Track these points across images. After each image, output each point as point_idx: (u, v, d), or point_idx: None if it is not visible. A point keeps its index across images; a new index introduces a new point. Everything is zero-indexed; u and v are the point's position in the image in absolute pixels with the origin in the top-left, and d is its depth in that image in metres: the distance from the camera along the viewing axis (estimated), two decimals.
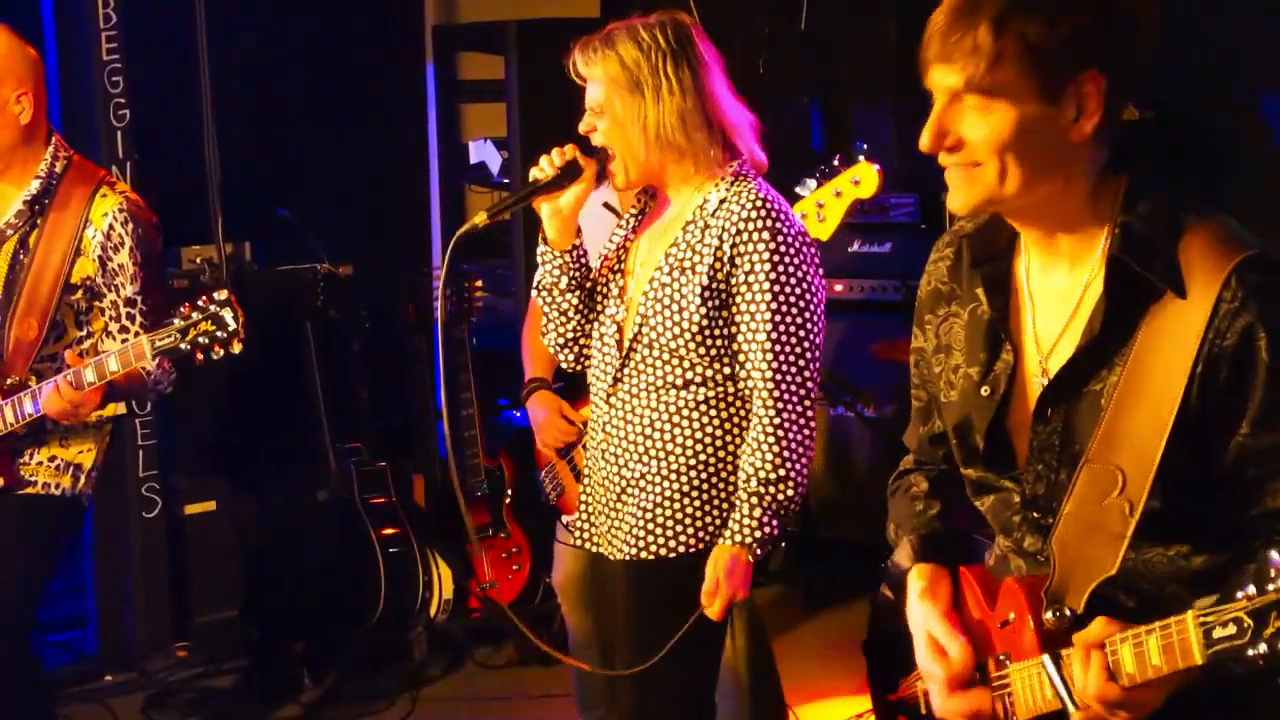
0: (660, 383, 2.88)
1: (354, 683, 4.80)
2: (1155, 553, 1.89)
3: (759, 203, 2.83)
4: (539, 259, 3.02)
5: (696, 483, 2.88)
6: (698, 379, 2.86)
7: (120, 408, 3.47)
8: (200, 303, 3.09)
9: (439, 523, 5.09)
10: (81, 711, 4.61)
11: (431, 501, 5.31)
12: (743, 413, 2.89)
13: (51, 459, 3.37)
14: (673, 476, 2.88)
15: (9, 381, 3.28)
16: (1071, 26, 1.76)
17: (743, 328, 2.84)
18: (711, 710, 3.13)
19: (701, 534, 2.89)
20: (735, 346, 2.86)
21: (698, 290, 2.82)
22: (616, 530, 2.97)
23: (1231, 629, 1.58)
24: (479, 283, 5.03)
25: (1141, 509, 1.81)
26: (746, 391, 2.87)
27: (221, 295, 3.09)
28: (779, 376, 2.82)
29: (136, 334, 3.29)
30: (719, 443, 2.89)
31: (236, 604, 5.14)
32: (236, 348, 3.10)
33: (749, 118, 2.97)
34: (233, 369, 4.94)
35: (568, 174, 2.90)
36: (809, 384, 2.86)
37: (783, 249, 2.81)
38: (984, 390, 1.98)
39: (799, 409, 2.84)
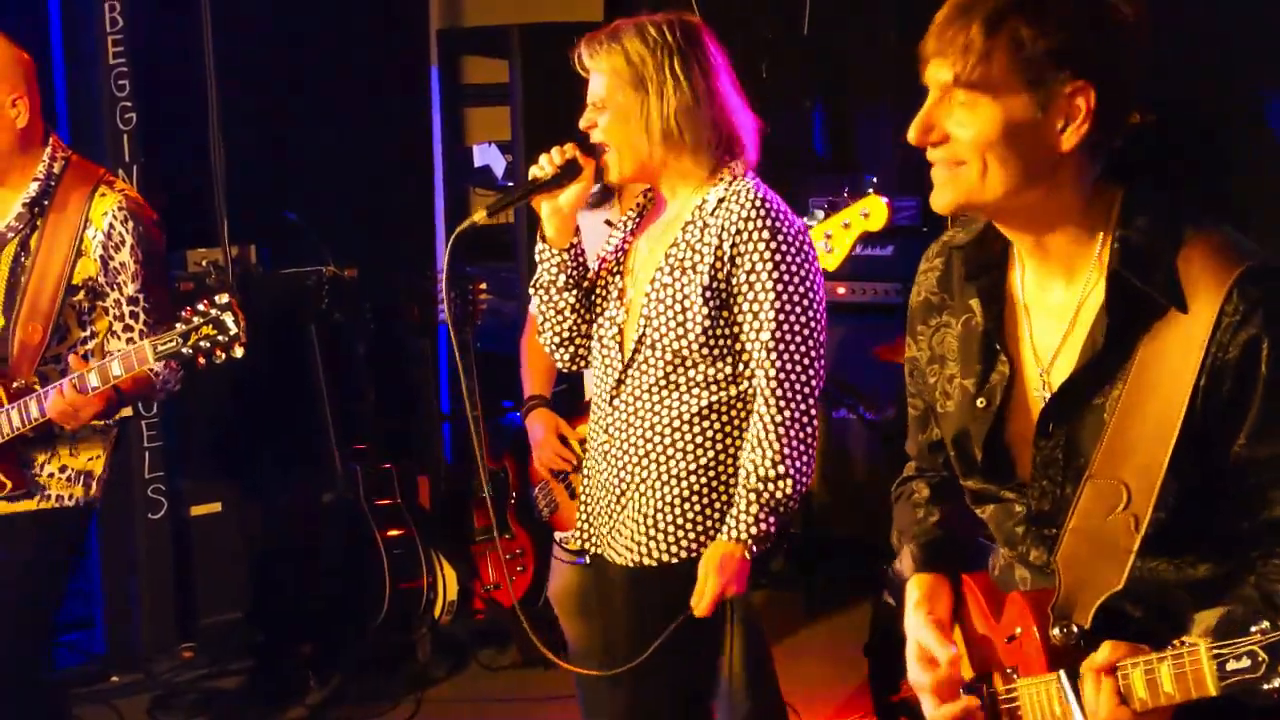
0: (664, 384, 2.88)
1: (359, 684, 4.81)
2: (1160, 563, 1.89)
3: (757, 201, 2.82)
4: (537, 257, 3.03)
5: (698, 488, 2.88)
6: (701, 380, 2.86)
7: (126, 409, 3.48)
8: (201, 307, 3.08)
9: (444, 525, 5.11)
10: (88, 712, 4.62)
11: (436, 503, 5.33)
12: (744, 416, 2.88)
13: (62, 469, 3.37)
14: (673, 482, 2.88)
15: (15, 385, 3.28)
16: (1064, 35, 1.77)
17: (745, 327, 2.83)
18: (708, 709, 3.14)
19: (704, 539, 2.88)
20: (738, 346, 2.85)
21: (699, 290, 2.81)
22: (617, 534, 2.96)
23: (1246, 662, 1.59)
24: (483, 286, 5.04)
25: (1147, 523, 1.81)
26: (750, 393, 2.86)
27: (223, 299, 3.08)
28: (782, 375, 2.81)
29: (141, 332, 3.29)
30: (720, 447, 2.88)
31: (242, 605, 5.15)
32: (238, 352, 3.09)
33: (753, 121, 2.97)
34: (238, 372, 4.95)
35: (567, 172, 2.90)
36: (813, 382, 2.85)
37: (783, 247, 2.81)
38: (980, 402, 1.99)
39: (802, 407, 2.83)
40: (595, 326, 3.03)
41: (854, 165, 5.94)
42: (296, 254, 5.25)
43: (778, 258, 2.80)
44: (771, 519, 2.82)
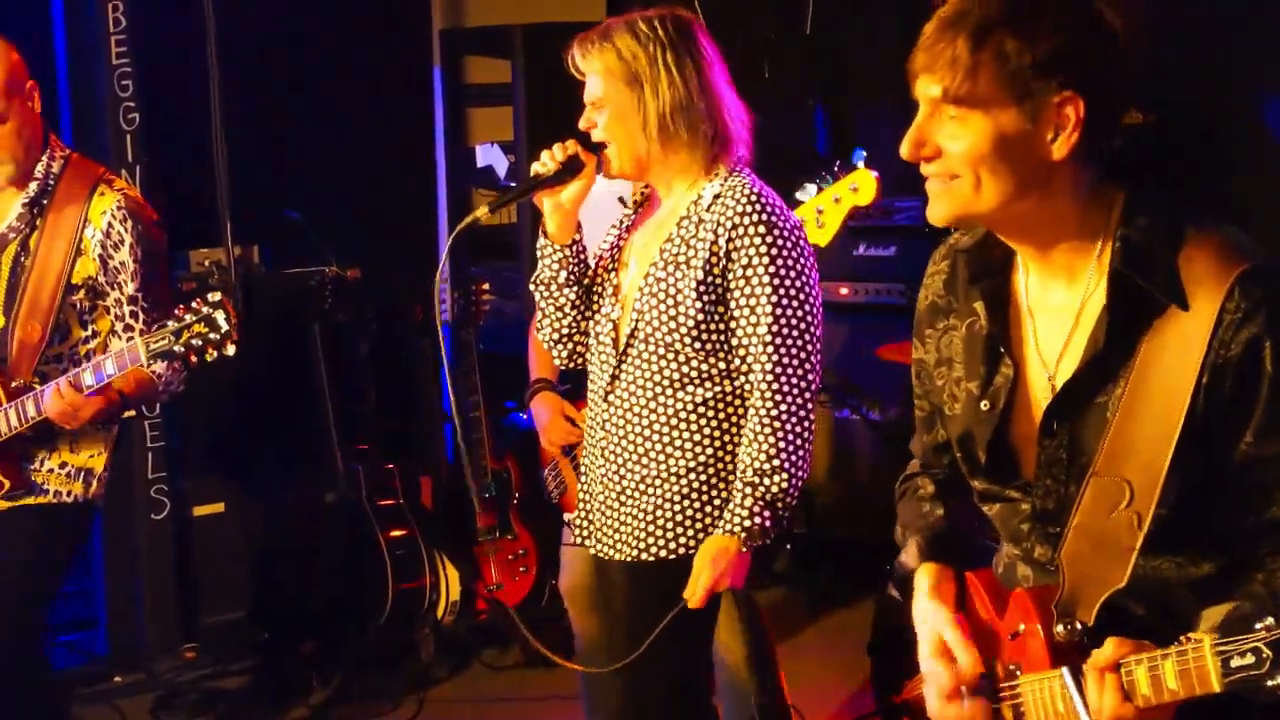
0: (658, 379, 2.89)
1: (361, 683, 4.81)
2: (1162, 561, 1.90)
3: (753, 197, 2.83)
4: (538, 253, 3.04)
5: (697, 485, 2.89)
6: (696, 375, 2.86)
7: (130, 411, 3.48)
8: (194, 305, 3.09)
9: (446, 524, 5.11)
10: (91, 712, 4.63)
11: (438, 503, 5.33)
12: (741, 412, 2.89)
13: (62, 465, 3.38)
14: (673, 480, 2.89)
15: (14, 384, 3.28)
16: (1051, 46, 1.78)
17: (741, 322, 2.83)
18: (706, 695, 3.14)
19: (703, 536, 2.89)
20: (734, 341, 2.85)
21: (693, 285, 2.82)
22: (617, 530, 2.97)
23: (1250, 659, 1.60)
24: (486, 285, 5.05)
25: (1150, 521, 1.82)
26: (745, 388, 2.87)
27: (215, 297, 3.09)
28: (779, 370, 2.82)
29: (141, 332, 3.29)
30: (718, 444, 2.89)
31: (244, 605, 5.15)
32: (230, 349, 3.09)
33: (747, 115, 2.97)
34: (241, 372, 4.98)
35: (569, 169, 2.92)
36: (809, 377, 2.85)
37: (779, 242, 2.81)
38: (984, 404, 2.00)
39: (798, 401, 2.84)
40: (592, 324, 3.04)
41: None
42: (299, 254, 5.25)
43: (773, 252, 2.80)
44: (767, 513, 2.82)
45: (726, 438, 2.89)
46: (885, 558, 2.32)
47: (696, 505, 2.90)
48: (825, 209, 3.36)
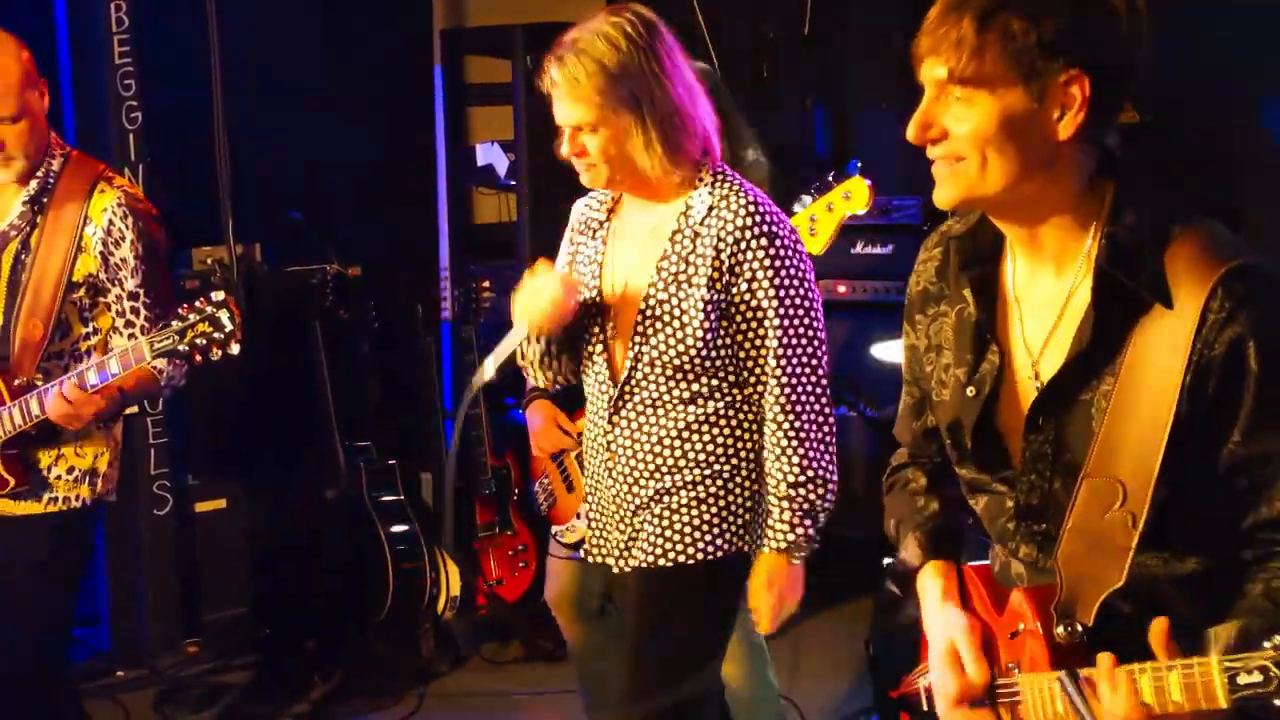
0: (665, 399, 2.83)
1: (362, 679, 4.84)
2: (1149, 557, 1.91)
3: (751, 208, 2.76)
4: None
5: (713, 489, 2.84)
6: (704, 391, 2.81)
7: (131, 407, 3.50)
8: (198, 304, 3.09)
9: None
10: (94, 707, 4.62)
11: (439, 499, 5.36)
12: (751, 417, 2.85)
13: (69, 470, 3.37)
14: (689, 487, 2.84)
15: (17, 382, 3.28)
16: (1055, 25, 1.78)
17: (750, 335, 2.79)
18: (723, 705, 3.13)
19: (719, 540, 2.85)
20: (741, 354, 2.81)
21: (699, 304, 2.75)
22: (634, 541, 2.90)
23: (1257, 676, 1.60)
24: (486, 283, 5.08)
25: (1144, 520, 1.83)
26: (754, 397, 2.83)
27: (218, 296, 3.09)
28: (793, 380, 2.78)
29: (143, 328, 3.30)
30: (730, 450, 2.84)
31: (246, 601, 5.18)
32: (234, 348, 3.09)
33: (713, 114, 2.85)
34: (243, 369, 5.00)
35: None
36: (823, 383, 2.82)
37: (782, 253, 2.76)
38: (969, 391, 2.01)
39: (816, 408, 2.81)
40: (583, 347, 2.95)
41: None
42: (301, 252, 5.27)
43: (778, 264, 2.75)
44: (807, 522, 2.81)
45: (739, 444, 2.85)
46: (883, 553, 2.34)
47: (713, 510, 2.85)
48: (818, 217, 3.36)
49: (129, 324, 3.34)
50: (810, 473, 2.79)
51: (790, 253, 2.78)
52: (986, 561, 2.16)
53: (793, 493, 2.79)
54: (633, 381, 2.84)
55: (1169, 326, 1.82)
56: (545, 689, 4.73)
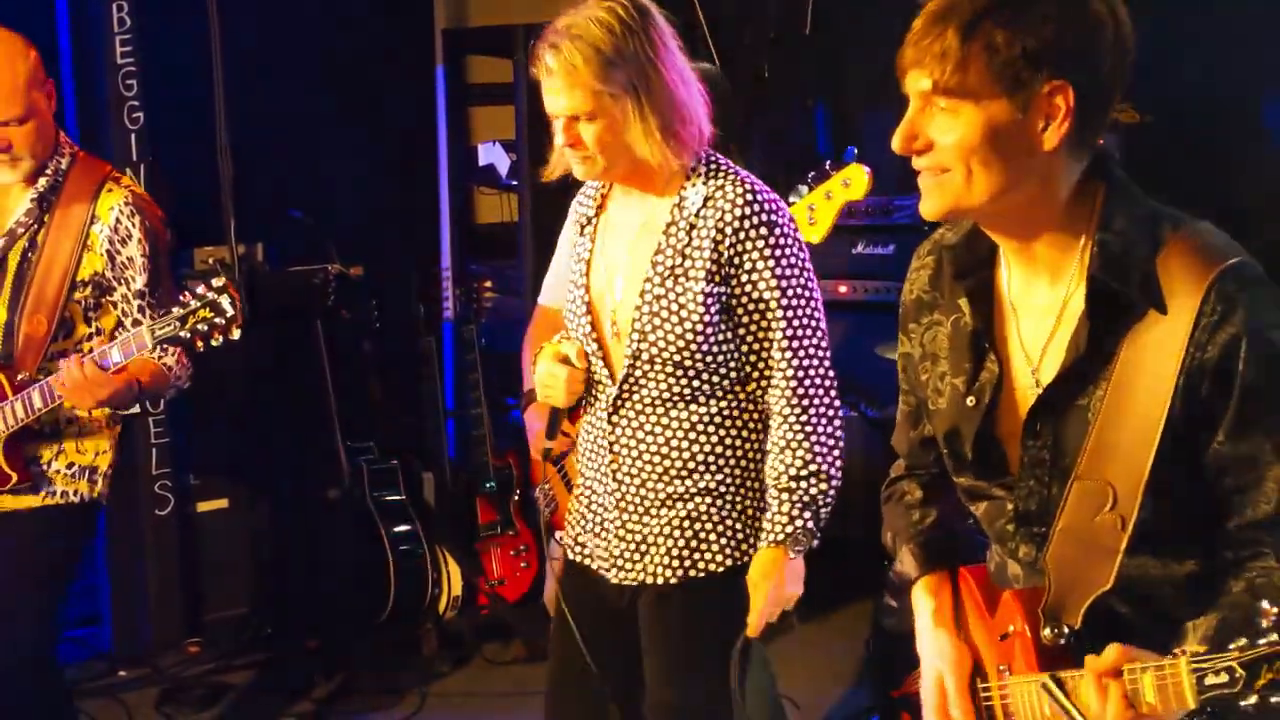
0: (666, 396, 2.76)
1: (364, 678, 4.84)
2: (1146, 560, 1.91)
3: (749, 195, 2.69)
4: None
5: (727, 495, 2.78)
6: (705, 389, 2.75)
7: (135, 408, 3.51)
8: (199, 290, 3.10)
9: (448, 520, 5.14)
10: (96, 707, 4.66)
11: (442, 500, 5.37)
12: (756, 417, 2.79)
13: (69, 466, 3.40)
14: (701, 495, 2.77)
15: (20, 378, 3.31)
16: (1039, 36, 1.78)
17: (753, 328, 2.73)
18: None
19: (734, 551, 2.79)
20: (744, 349, 2.75)
21: (698, 297, 2.68)
22: (644, 553, 2.83)
23: (1224, 677, 1.60)
24: (488, 283, 5.09)
25: (1133, 523, 1.83)
26: (758, 394, 2.78)
27: (219, 282, 3.10)
28: (801, 372, 2.72)
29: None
30: (739, 452, 2.78)
31: (248, 601, 5.20)
32: (235, 333, 3.10)
33: (704, 98, 2.76)
34: (245, 368, 5.02)
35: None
36: (830, 375, 2.76)
37: (782, 242, 2.70)
38: (969, 400, 2.01)
39: (824, 399, 2.75)
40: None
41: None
42: (302, 252, 5.28)
43: (779, 253, 2.69)
44: (807, 514, 2.73)
45: (748, 446, 2.79)
46: (882, 554, 2.33)
47: (729, 520, 2.79)
48: (817, 205, 3.34)
49: (135, 323, 3.35)
50: (814, 466, 2.73)
51: (790, 241, 2.72)
52: (984, 563, 2.17)
53: (794, 485, 2.72)
54: (632, 379, 2.78)
55: (1163, 330, 1.82)
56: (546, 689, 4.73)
